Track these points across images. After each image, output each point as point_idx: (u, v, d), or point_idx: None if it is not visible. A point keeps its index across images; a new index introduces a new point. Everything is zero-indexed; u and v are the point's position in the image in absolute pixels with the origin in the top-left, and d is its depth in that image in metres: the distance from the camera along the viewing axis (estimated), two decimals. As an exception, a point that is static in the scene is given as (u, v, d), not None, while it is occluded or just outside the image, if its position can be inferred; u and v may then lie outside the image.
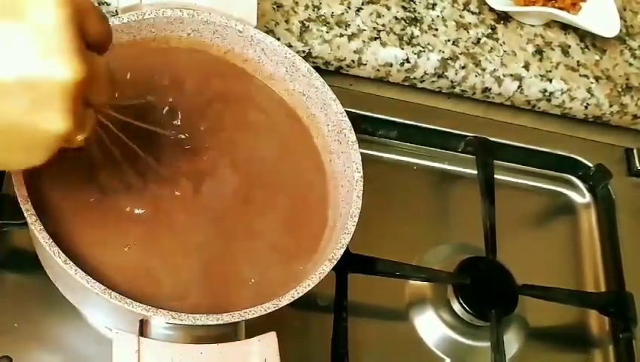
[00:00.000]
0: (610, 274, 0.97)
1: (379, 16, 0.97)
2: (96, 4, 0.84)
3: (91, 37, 0.51)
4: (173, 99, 0.72)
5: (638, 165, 1.03)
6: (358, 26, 0.95)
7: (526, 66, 1.00)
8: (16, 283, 0.76)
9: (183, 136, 0.71)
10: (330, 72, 0.95)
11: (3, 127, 0.48)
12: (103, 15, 0.53)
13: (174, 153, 0.70)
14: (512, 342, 0.88)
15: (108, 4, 0.85)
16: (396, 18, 0.98)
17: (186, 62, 0.76)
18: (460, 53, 0.98)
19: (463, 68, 0.97)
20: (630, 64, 1.06)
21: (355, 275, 0.83)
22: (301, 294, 0.64)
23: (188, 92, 0.74)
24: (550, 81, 1.01)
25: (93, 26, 0.51)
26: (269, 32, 0.90)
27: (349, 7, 0.96)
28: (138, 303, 0.59)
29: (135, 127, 0.65)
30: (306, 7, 0.94)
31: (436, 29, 0.99)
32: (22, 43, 0.47)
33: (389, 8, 0.98)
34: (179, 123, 0.71)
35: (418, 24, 0.98)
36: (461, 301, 0.85)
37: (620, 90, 1.03)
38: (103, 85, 0.53)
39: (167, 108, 0.71)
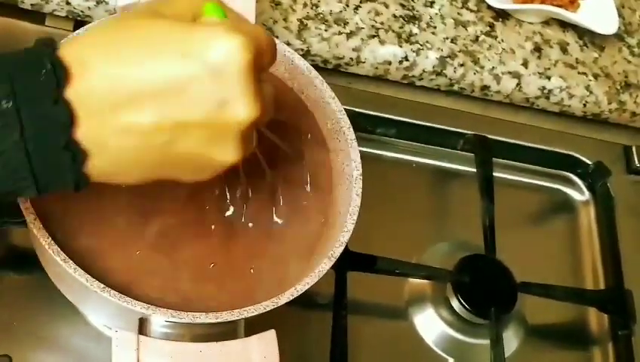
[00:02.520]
0: (609, 271, 0.97)
1: (377, 14, 0.97)
2: (96, 3, 0.84)
3: (263, 67, 0.55)
4: None
5: (636, 162, 1.03)
6: (357, 24, 0.95)
7: (525, 64, 1.01)
8: (15, 282, 0.75)
9: None
10: (329, 70, 0.95)
11: (183, 156, 0.53)
12: (274, 45, 0.56)
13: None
14: (511, 339, 0.88)
15: (106, 3, 0.85)
16: (394, 16, 0.98)
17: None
18: (459, 51, 0.98)
19: (462, 66, 0.97)
20: (629, 61, 1.06)
21: (354, 273, 0.83)
22: (300, 292, 0.64)
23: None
24: (549, 78, 1.01)
25: (267, 59, 0.55)
26: (268, 29, 0.90)
27: (348, 5, 0.96)
28: (137, 301, 0.59)
29: None
30: (305, 5, 0.94)
31: (435, 27, 0.99)
32: (209, 88, 0.50)
33: (387, 6, 0.98)
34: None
35: (416, 22, 0.98)
36: (460, 299, 0.85)
37: (618, 87, 1.03)
38: (266, 112, 0.55)
39: None
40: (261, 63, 0.53)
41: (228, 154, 0.54)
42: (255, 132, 0.57)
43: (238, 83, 0.51)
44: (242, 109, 0.51)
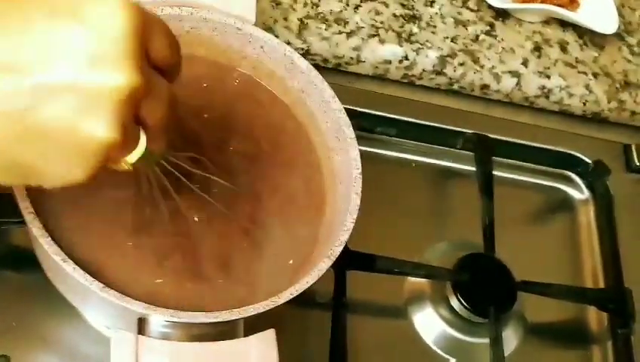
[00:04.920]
0: (608, 270, 0.97)
1: (377, 13, 0.97)
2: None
3: (156, 56, 0.51)
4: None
5: (636, 161, 1.03)
6: (357, 23, 0.95)
7: (524, 63, 1.01)
8: (15, 282, 0.75)
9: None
10: (329, 69, 0.95)
11: (47, 128, 0.46)
12: (173, 40, 0.52)
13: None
14: (510, 338, 0.88)
15: (106, 2, 0.85)
16: (395, 15, 0.98)
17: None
18: (459, 50, 0.98)
19: (462, 65, 0.98)
20: (628, 61, 1.06)
21: (353, 272, 0.83)
22: (300, 291, 0.64)
23: (185, 100, 0.74)
24: (548, 77, 1.01)
25: (158, 44, 0.51)
26: (268, 29, 0.90)
27: (348, 5, 0.96)
28: (136, 301, 0.59)
29: None
30: (305, 4, 0.94)
31: (435, 26, 0.99)
32: (78, 45, 0.46)
33: (387, 5, 0.98)
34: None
35: (417, 21, 0.98)
36: (460, 298, 0.85)
37: (618, 86, 1.03)
38: (159, 107, 0.52)
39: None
40: (147, 39, 0.49)
41: (99, 127, 0.47)
42: (152, 129, 0.53)
43: (115, 42, 0.47)
44: (117, 73, 0.47)
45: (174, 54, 0.53)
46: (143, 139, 0.53)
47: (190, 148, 0.69)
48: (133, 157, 0.54)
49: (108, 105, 0.47)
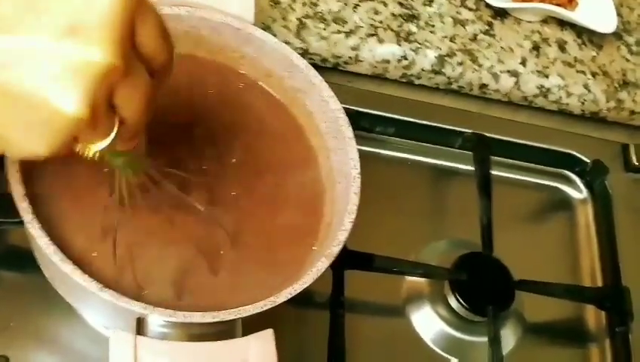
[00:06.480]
0: (606, 269, 0.97)
1: (376, 12, 0.97)
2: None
3: (143, 44, 0.49)
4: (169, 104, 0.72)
5: (634, 161, 1.03)
6: (356, 22, 0.95)
7: (523, 62, 1.01)
8: (13, 282, 0.76)
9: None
10: (328, 69, 0.95)
11: (14, 91, 0.45)
12: (164, 33, 0.51)
13: (173, 156, 0.70)
14: (509, 337, 0.88)
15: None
16: (393, 15, 0.98)
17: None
18: (457, 50, 0.98)
19: (460, 64, 0.98)
20: (627, 60, 1.07)
21: (352, 272, 0.83)
22: (298, 291, 0.64)
23: (183, 97, 0.74)
24: (547, 77, 1.01)
25: (147, 32, 0.49)
26: (267, 28, 0.90)
27: (346, 4, 0.96)
28: (135, 301, 0.59)
29: None
30: (303, 3, 0.94)
31: (433, 26, 0.99)
32: (61, 10, 0.44)
33: (386, 5, 0.98)
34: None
35: (415, 21, 0.98)
36: (458, 297, 0.85)
37: (616, 85, 1.04)
38: (136, 98, 0.50)
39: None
40: (136, 23, 0.47)
41: (67, 100, 0.45)
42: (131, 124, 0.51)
43: (100, 15, 0.45)
44: (95, 47, 0.45)
45: (163, 49, 0.51)
46: (115, 129, 0.51)
47: (184, 152, 0.70)
48: (101, 145, 0.51)
49: (80, 79, 0.45)
